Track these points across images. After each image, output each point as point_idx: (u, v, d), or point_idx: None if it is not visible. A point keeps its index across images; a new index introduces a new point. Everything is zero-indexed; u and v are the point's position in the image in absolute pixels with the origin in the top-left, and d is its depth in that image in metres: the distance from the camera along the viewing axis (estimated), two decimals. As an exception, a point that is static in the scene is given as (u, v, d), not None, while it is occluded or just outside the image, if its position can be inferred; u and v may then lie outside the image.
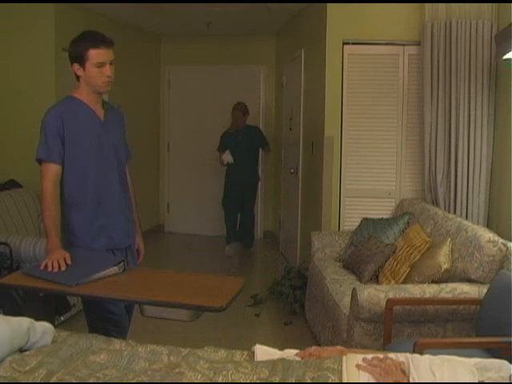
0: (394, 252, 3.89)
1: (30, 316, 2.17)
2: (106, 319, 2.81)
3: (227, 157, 6.58)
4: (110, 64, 2.72)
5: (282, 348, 2.22)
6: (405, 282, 3.55)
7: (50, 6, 5.13)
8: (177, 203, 7.79)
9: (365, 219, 4.48)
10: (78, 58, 2.69)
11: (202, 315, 2.47)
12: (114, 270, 2.60)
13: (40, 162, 2.74)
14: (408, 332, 3.16)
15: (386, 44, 4.63)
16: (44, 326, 2.17)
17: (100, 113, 2.83)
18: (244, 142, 6.61)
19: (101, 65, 2.68)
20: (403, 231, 4.17)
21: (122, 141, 2.96)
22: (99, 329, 2.68)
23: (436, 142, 4.34)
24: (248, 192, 6.79)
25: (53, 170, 2.71)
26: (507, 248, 3.21)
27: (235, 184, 6.69)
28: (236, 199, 6.73)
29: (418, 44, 4.48)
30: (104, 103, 2.89)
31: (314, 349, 2.14)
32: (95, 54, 2.66)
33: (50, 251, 2.66)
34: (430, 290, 3.18)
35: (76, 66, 2.71)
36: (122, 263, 2.65)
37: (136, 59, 6.90)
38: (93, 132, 2.78)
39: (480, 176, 4.21)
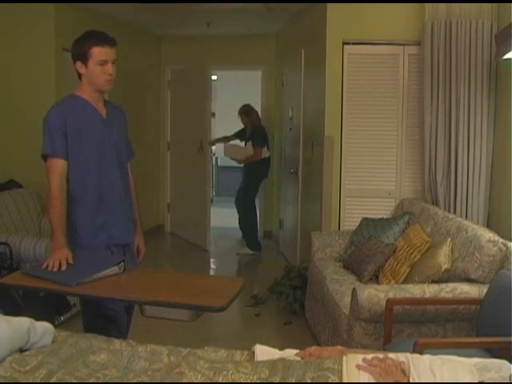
0: (394, 252, 3.89)
1: (30, 316, 2.18)
2: (105, 316, 2.80)
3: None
4: (113, 63, 2.74)
5: (282, 348, 2.22)
6: (405, 281, 3.55)
7: (50, 6, 5.13)
8: (177, 203, 7.78)
9: (365, 219, 4.48)
10: (81, 55, 2.71)
11: (202, 315, 2.47)
12: (115, 269, 2.60)
13: (45, 158, 2.73)
14: (408, 332, 3.16)
15: (386, 44, 4.63)
16: (44, 326, 2.17)
17: (102, 111, 2.84)
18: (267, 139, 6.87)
19: (103, 63, 2.70)
20: (403, 231, 4.17)
21: (124, 139, 2.97)
22: (98, 329, 2.67)
23: (436, 141, 4.34)
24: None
25: (59, 164, 2.71)
26: (507, 248, 3.21)
27: (265, 179, 6.97)
28: None
29: (418, 44, 4.48)
30: (106, 102, 2.90)
31: (314, 349, 2.14)
32: (98, 52, 2.68)
33: (53, 249, 2.66)
34: (430, 290, 3.18)
35: (78, 63, 2.73)
36: (123, 263, 2.65)
37: (136, 59, 6.90)
38: (94, 130, 2.79)
39: (480, 176, 4.21)
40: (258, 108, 7.48)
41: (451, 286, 3.22)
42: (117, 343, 2.24)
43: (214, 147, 7.50)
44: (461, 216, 4.17)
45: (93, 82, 2.75)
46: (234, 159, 6.89)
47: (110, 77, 2.74)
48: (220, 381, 1.90)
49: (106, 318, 2.80)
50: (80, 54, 2.71)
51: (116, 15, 6.05)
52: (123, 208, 2.91)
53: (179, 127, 7.40)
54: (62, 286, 2.45)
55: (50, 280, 2.47)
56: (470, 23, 4.16)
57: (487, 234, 3.29)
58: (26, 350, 2.09)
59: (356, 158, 4.73)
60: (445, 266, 3.38)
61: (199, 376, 1.92)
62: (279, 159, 7.08)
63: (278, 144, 7.13)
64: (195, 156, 7.01)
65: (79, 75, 2.78)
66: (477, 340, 2.76)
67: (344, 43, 4.64)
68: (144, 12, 5.89)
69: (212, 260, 6.70)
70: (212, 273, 6.27)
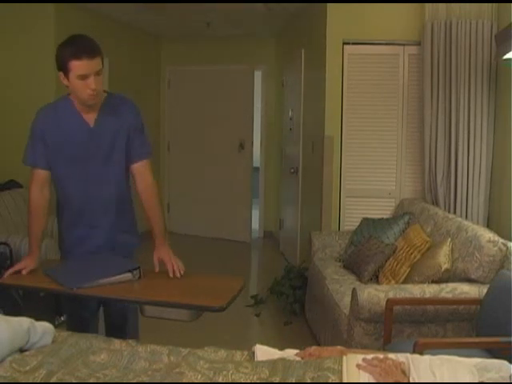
0: (394, 252, 3.89)
1: (30, 316, 2.17)
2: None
3: None
4: (97, 75, 2.48)
5: (282, 348, 2.22)
6: (405, 281, 3.55)
7: (50, 6, 5.13)
8: (177, 203, 7.80)
9: (365, 219, 4.48)
10: (62, 67, 2.48)
11: (202, 315, 2.47)
12: (128, 276, 2.53)
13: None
14: (408, 332, 3.16)
15: (386, 44, 4.63)
16: (44, 326, 2.17)
17: (91, 118, 2.65)
18: None
19: (84, 77, 2.45)
20: (403, 231, 4.17)
21: (124, 142, 2.71)
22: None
23: (436, 141, 4.34)
24: None
25: (40, 174, 2.68)
26: (507, 248, 3.21)
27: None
28: None
29: (418, 44, 4.48)
30: (108, 96, 2.68)
31: (314, 349, 2.13)
32: (77, 66, 2.43)
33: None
34: (430, 290, 3.18)
35: (61, 75, 2.51)
36: (138, 270, 2.55)
37: (136, 59, 6.90)
38: (76, 138, 2.64)
39: (480, 176, 4.21)
40: (258, 108, 7.51)
41: (451, 286, 3.22)
42: (117, 343, 2.24)
43: None
44: (461, 216, 4.16)
45: (76, 96, 2.57)
46: None
47: (92, 92, 2.49)
48: (220, 381, 1.90)
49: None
50: (60, 65, 2.49)
51: (116, 15, 6.05)
52: (111, 219, 2.76)
53: (207, 127, 7.51)
54: (63, 288, 2.45)
55: (57, 281, 2.47)
56: (470, 23, 4.16)
57: (487, 234, 3.29)
58: (26, 350, 2.09)
59: (356, 158, 4.73)
60: (445, 266, 3.38)
61: (199, 376, 1.92)
62: (279, 159, 7.08)
63: (278, 144, 7.13)
64: (234, 155, 7.31)
65: None
66: (477, 340, 2.76)
67: (344, 43, 4.64)
68: (144, 12, 5.89)
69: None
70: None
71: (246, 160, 7.34)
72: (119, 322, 2.97)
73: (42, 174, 2.68)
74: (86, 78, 2.46)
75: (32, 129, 2.66)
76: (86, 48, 2.46)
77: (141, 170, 2.74)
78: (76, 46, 2.45)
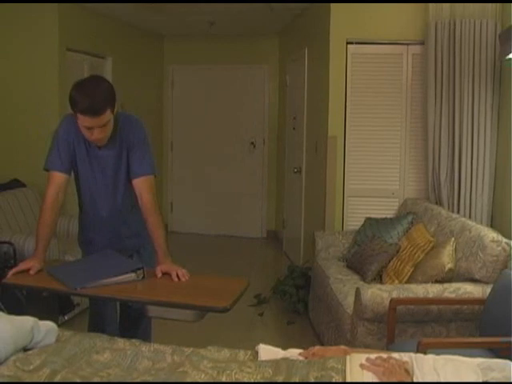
0: (397, 252, 3.89)
1: (33, 315, 2.18)
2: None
3: None
4: (103, 126, 2.58)
5: (285, 347, 2.22)
6: (408, 281, 3.54)
7: (54, 6, 5.13)
8: (180, 202, 7.81)
9: (368, 219, 4.48)
10: (72, 110, 2.59)
11: (206, 315, 2.47)
12: (131, 276, 2.54)
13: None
14: (411, 332, 3.16)
15: (390, 43, 4.63)
16: (48, 326, 2.18)
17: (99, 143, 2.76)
18: None
19: (89, 128, 2.58)
20: (407, 231, 4.17)
21: (126, 160, 2.80)
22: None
23: (440, 141, 4.34)
24: None
25: (56, 177, 2.73)
26: (511, 248, 3.21)
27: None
28: None
29: (422, 43, 4.47)
30: (117, 115, 2.72)
31: (317, 348, 2.14)
32: (82, 119, 2.55)
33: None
34: (433, 290, 3.17)
35: (72, 112, 2.61)
36: (141, 270, 2.57)
37: (139, 59, 6.91)
38: (84, 155, 2.77)
39: (484, 176, 4.20)
40: (261, 107, 7.52)
41: (454, 285, 3.22)
42: (120, 342, 2.24)
43: None
44: (464, 216, 4.16)
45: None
46: None
47: (97, 140, 2.64)
48: (224, 380, 1.90)
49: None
50: (71, 107, 2.58)
51: (119, 15, 6.05)
52: (113, 235, 2.91)
53: (212, 126, 7.58)
54: (66, 288, 2.45)
55: (60, 281, 2.47)
56: (474, 23, 4.15)
57: (491, 234, 3.28)
58: (29, 349, 2.10)
59: (359, 158, 4.73)
60: (448, 266, 3.37)
61: (203, 375, 1.92)
62: (282, 159, 7.07)
63: (281, 143, 7.12)
64: (244, 153, 7.52)
65: None
66: (479, 340, 2.75)
67: (348, 43, 4.64)
68: (146, 11, 5.89)
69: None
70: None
71: (258, 158, 7.52)
72: (136, 314, 3.00)
73: (60, 178, 2.73)
74: (91, 129, 2.57)
75: (56, 133, 2.75)
76: (93, 108, 2.50)
77: (137, 186, 2.79)
78: (80, 103, 2.50)
